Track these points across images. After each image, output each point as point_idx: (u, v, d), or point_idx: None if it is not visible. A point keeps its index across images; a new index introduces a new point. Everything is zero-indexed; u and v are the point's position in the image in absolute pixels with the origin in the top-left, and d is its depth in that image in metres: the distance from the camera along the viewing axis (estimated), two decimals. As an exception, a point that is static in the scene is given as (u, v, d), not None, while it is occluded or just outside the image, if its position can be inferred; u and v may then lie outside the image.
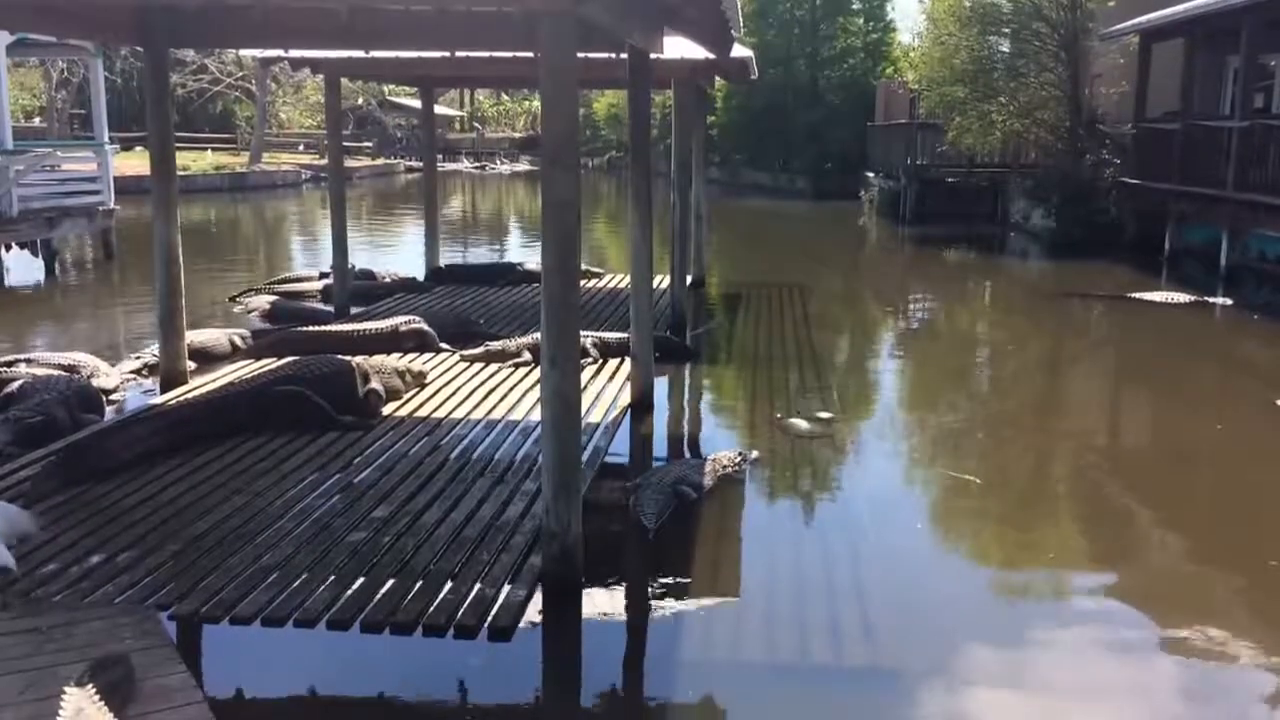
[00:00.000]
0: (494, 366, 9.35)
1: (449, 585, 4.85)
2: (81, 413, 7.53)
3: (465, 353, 9.74)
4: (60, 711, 3.47)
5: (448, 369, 9.31)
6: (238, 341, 10.34)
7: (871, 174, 30.34)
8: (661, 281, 12.29)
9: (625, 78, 8.03)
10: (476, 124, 66.79)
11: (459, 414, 7.83)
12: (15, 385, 7.93)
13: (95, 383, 8.43)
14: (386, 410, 7.84)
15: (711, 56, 9.23)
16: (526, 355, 9.29)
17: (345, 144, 21.72)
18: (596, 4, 5.05)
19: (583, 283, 11.48)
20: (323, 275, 14.30)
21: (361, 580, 4.90)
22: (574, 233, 4.99)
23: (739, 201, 33.80)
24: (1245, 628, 5.12)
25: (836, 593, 5.39)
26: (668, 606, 5.17)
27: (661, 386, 9.20)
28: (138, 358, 9.64)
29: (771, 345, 11.28)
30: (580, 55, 5.18)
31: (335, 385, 7.56)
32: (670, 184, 11.90)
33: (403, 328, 10.05)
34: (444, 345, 10.03)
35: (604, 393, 8.43)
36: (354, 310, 12.11)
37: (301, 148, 51.20)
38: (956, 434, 8.60)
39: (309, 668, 4.59)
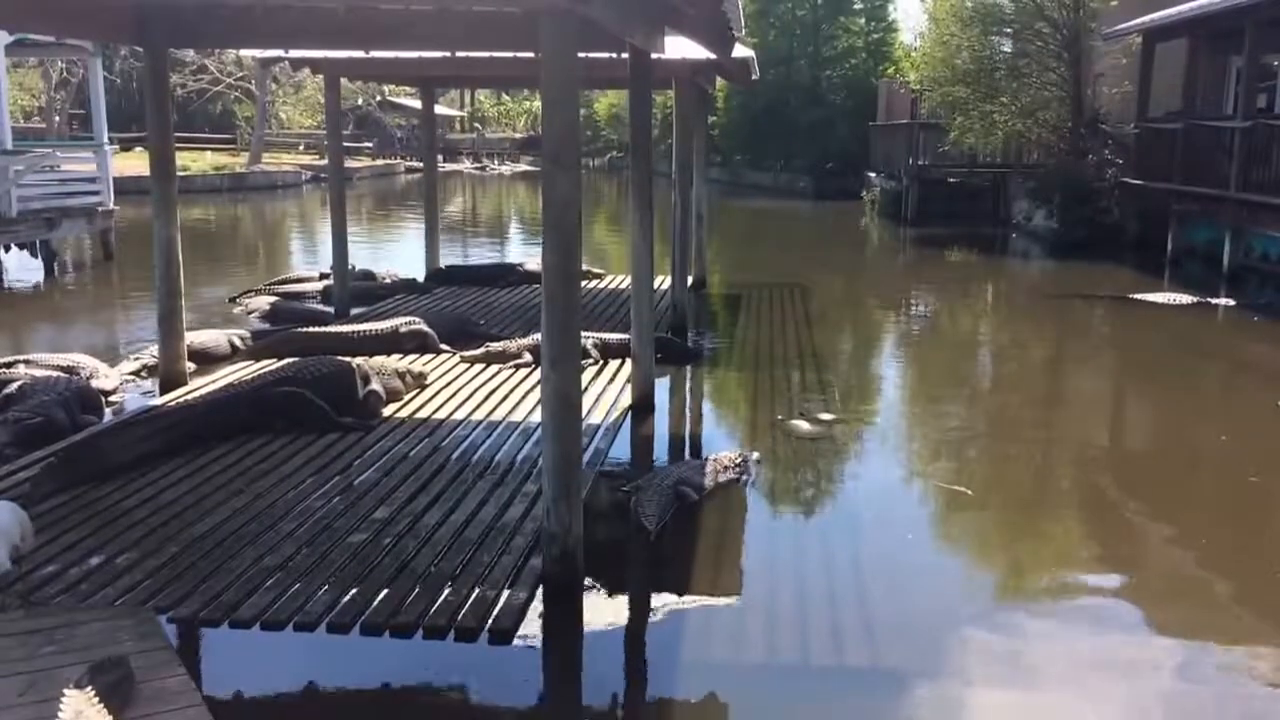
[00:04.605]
0: (494, 368, 9.32)
1: (449, 587, 4.83)
2: (81, 414, 7.51)
3: (466, 354, 9.72)
4: (59, 714, 3.45)
5: (448, 370, 9.29)
6: (237, 342, 10.32)
7: (873, 174, 30.32)
8: (662, 282, 12.27)
9: (626, 78, 8.02)
10: (477, 124, 66.81)
11: (459, 415, 7.81)
12: (14, 386, 7.92)
13: (94, 384, 8.41)
14: (387, 411, 7.82)
15: (713, 56, 9.21)
16: (527, 356, 9.27)
17: (345, 144, 21.73)
18: (597, 3, 5.03)
19: (583, 283, 11.48)
20: (323, 276, 14.29)
21: (362, 583, 4.88)
22: (575, 233, 4.97)
23: (740, 202, 33.79)
24: (1247, 638, 5.10)
25: (837, 594, 5.37)
26: (668, 608, 5.15)
27: (662, 387, 9.18)
28: (137, 359, 9.63)
29: (773, 346, 11.26)
30: (581, 55, 5.16)
31: (335, 386, 7.54)
32: (671, 184, 11.87)
33: (403, 329, 10.03)
34: (444, 346, 10.01)
35: (605, 394, 8.41)
36: (354, 311, 12.09)
37: (301, 148, 51.25)
38: (958, 436, 8.57)
39: (309, 670, 4.57)
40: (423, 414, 7.83)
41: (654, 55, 7.82)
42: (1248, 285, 14.89)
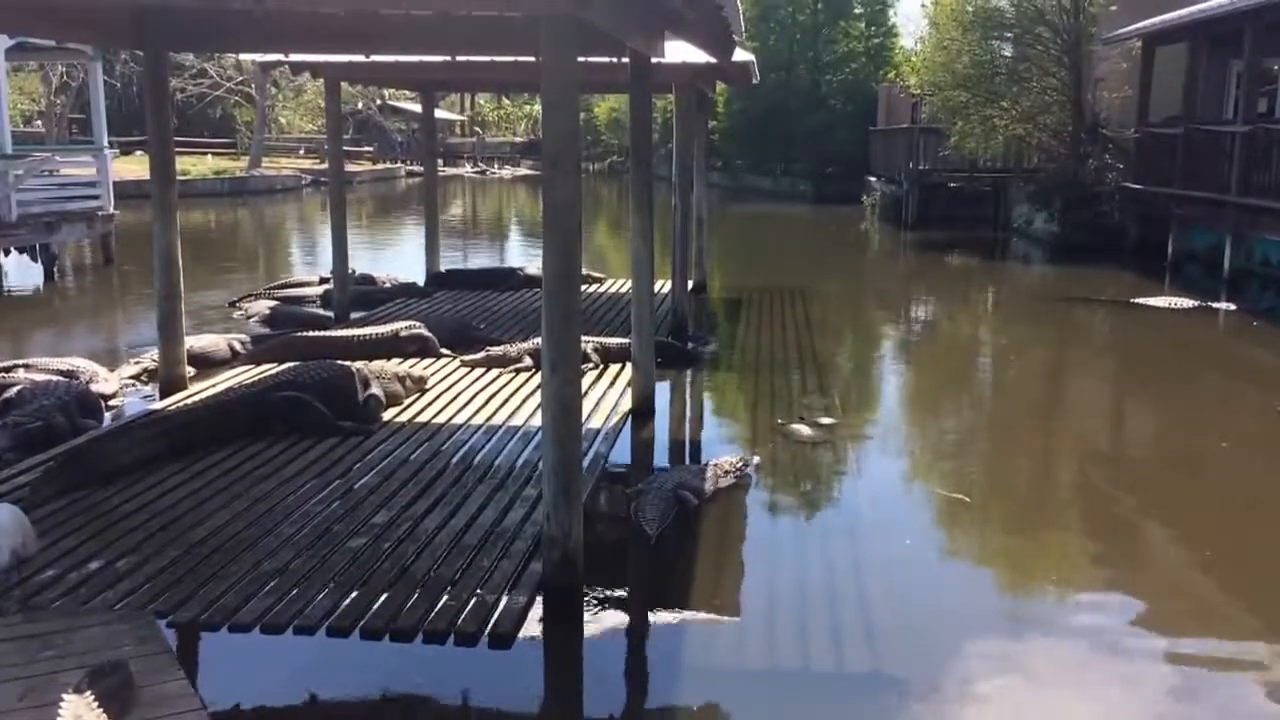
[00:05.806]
0: (495, 372, 9.31)
1: (449, 592, 4.82)
2: (80, 418, 7.50)
3: (466, 358, 9.71)
4: (58, 718, 3.44)
5: (448, 374, 9.27)
6: (237, 346, 10.32)
7: (873, 178, 30.34)
8: (663, 287, 12.27)
9: (626, 82, 8.01)
10: (477, 128, 66.80)
11: (459, 419, 7.80)
12: (14, 391, 7.91)
13: (94, 388, 8.41)
14: (387, 416, 7.81)
15: (713, 60, 9.22)
16: (527, 360, 9.26)
17: (345, 148, 21.74)
18: (598, 7, 5.03)
19: (584, 288, 11.47)
20: (323, 280, 14.29)
21: (361, 587, 4.87)
22: (575, 237, 4.96)
23: (741, 206, 33.80)
24: (1250, 648, 5.08)
25: (838, 600, 5.36)
26: (669, 613, 5.14)
27: (663, 392, 9.17)
28: (137, 363, 9.62)
29: (773, 350, 11.25)
30: (581, 59, 5.15)
31: (335, 390, 7.53)
32: (672, 188, 11.88)
33: (403, 333, 10.02)
34: (444, 350, 10.00)
35: (605, 398, 8.40)
36: (354, 315, 12.09)
37: (302, 152, 51.23)
38: (958, 441, 8.57)
39: (308, 675, 4.56)
40: (423, 418, 7.83)
41: (654, 59, 7.82)
42: (1248, 289, 14.88)
